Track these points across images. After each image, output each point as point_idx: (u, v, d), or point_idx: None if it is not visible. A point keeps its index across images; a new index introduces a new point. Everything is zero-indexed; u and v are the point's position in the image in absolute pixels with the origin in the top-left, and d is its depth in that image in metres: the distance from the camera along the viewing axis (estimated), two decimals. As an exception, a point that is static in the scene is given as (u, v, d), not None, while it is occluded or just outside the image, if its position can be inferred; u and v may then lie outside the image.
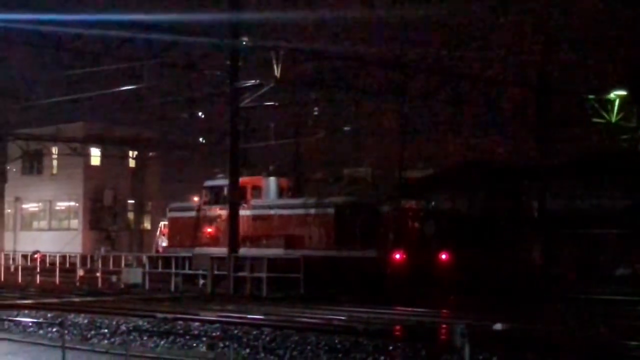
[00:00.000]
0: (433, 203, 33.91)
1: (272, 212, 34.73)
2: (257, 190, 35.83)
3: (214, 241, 35.90)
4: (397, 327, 20.15)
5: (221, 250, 34.43)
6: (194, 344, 18.26)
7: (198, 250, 35.72)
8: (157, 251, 39.38)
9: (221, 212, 35.67)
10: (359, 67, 37.55)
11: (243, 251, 33.67)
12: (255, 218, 34.77)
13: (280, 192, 36.16)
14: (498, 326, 19.33)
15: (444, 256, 31.21)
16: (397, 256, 30.50)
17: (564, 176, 41.18)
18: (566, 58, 44.00)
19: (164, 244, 38.88)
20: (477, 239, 36.33)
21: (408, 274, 30.01)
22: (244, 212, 34.55)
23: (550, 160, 40.84)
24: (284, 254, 32.72)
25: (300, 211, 33.73)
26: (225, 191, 35.30)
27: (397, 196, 33.95)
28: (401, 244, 30.94)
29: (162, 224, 40.97)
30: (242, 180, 34.69)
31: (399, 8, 44.19)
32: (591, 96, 41.21)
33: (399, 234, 31.43)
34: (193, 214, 37.12)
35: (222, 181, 36.30)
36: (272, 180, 36.27)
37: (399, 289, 29.33)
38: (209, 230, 36.33)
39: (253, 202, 35.20)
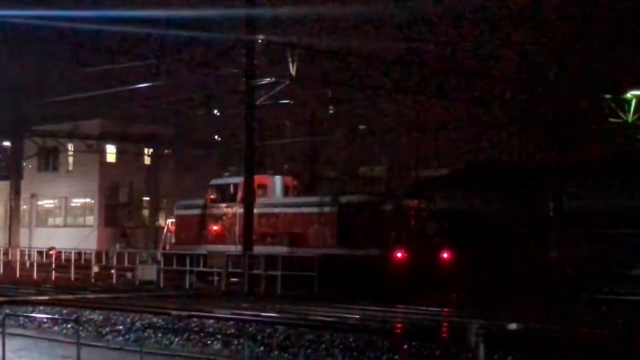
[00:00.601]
0: (436, 202, 33.80)
1: (276, 210, 34.73)
2: (263, 189, 35.89)
3: (220, 239, 35.98)
4: (411, 326, 20.13)
5: (227, 248, 34.56)
6: (209, 342, 18.28)
7: (206, 247, 35.79)
8: (164, 248, 39.48)
9: (227, 210, 35.79)
10: (374, 65, 37.49)
11: None
12: (260, 216, 34.76)
13: (286, 191, 36.20)
14: (513, 326, 19.28)
15: (445, 255, 31.17)
16: (399, 255, 30.46)
17: (580, 176, 41.03)
18: (583, 57, 43.81)
19: (174, 240, 39.04)
20: (483, 238, 36.22)
21: (409, 272, 29.96)
22: None
23: (566, 160, 40.70)
24: (288, 252, 32.76)
25: (304, 210, 33.73)
26: (232, 189, 35.50)
27: (400, 195, 33.87)
28: (403, 243, 30.91)
29: (169, 221, 41.09)
30: None
31: (413, 4, 44.06)
32: (608, 95, 41.02)
33: (401, 233, 31.38)
34: (200, 211, 37.21)
35: (228, 179, 36.60)
36: (278, 178, 36.32)
37: (400, 288, 29.27)
38: (215, 228, 36.40)
39: (258, 200, 35.20)
